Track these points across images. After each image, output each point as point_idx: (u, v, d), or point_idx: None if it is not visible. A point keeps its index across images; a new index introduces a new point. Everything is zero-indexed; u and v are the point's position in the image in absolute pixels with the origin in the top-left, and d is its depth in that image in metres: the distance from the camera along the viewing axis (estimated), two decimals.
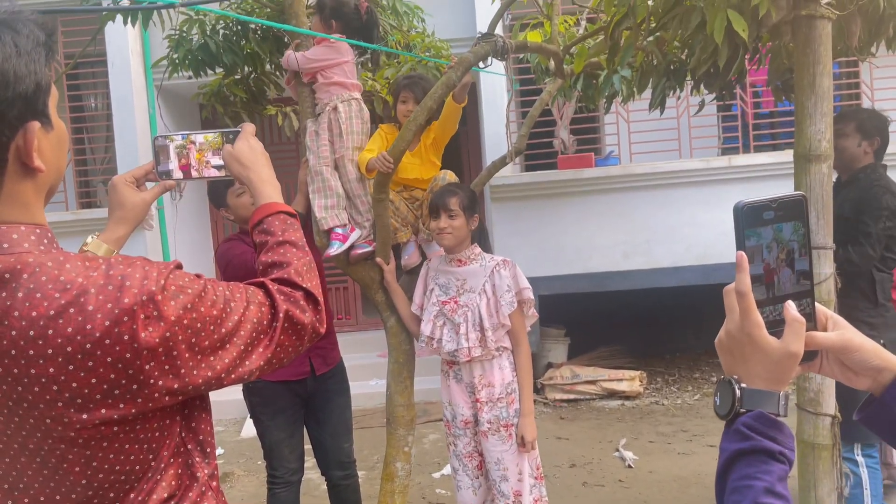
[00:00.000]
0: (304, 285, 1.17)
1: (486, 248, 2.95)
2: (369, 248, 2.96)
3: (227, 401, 5.88)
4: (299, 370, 3.07)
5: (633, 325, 7.19)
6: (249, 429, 5.67)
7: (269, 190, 1.29)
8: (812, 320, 0.87)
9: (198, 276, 1.04)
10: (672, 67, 3.56)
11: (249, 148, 1.31)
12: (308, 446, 3.24)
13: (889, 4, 2.47)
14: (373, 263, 2.99)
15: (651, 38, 3.10)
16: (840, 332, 0.88)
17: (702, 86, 3.49)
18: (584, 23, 4.34)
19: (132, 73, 6.38)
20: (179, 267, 1.02)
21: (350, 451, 3.27)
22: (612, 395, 6.24)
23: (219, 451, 5.53)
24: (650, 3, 2.72)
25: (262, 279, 1.16)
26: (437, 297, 2.86)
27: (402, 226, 3.05)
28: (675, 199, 6.21)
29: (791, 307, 0.84)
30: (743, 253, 0.83)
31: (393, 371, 3.04)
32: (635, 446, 5.03)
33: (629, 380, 6.29)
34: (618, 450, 4.96)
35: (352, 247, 2.93)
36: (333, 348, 3.26)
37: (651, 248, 6.26)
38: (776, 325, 0.84)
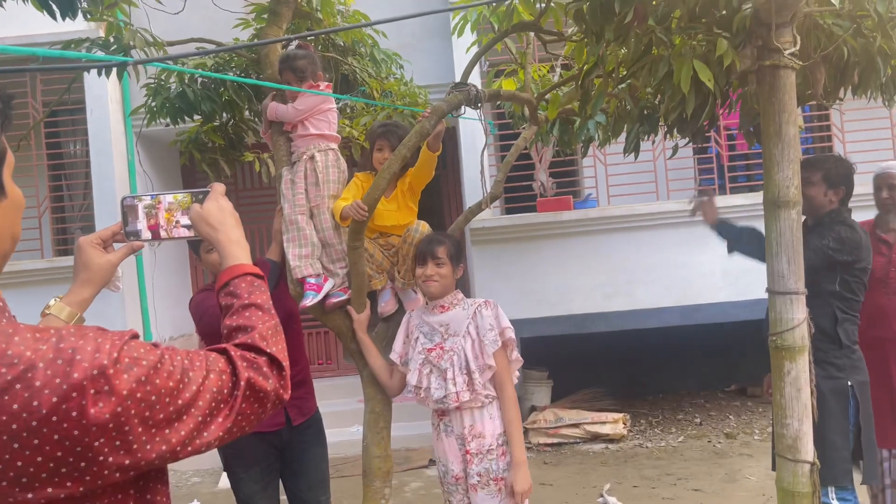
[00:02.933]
0: (269, 350, 1.14)
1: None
2: (345, 297, 2.93)
3: None
4: (274, 421, 3.01)
5: (615, 367, 7.16)
6: (226, 481, 5.53)
7: (237, 251, 1.27)
8: None
9: (154, 345, 1.01)
10: (645, 113, 3.61)
11: (218, 208, 1.30)
12: (283, 497, 3.16)
13: (853, 52, 2.53)
14: (347, 312, 2.96)
15: (623, 86, 3.15)
16: None
17: (674, 130, 3.55)
18: (558, 69, 4.42)
19: (111, 120, 6.38)
20: (136, 337, 0.99)
21: None
22: (596, 438, 6.18)
23: (194, 503, 5.38)
24: (621, 51, 2.78)
25: (224, 345, 1.13)
26: (423, 345, 2.79)
27: (378, 273, 3.02)
28: (653, 241, 6.25)
29: None
30: None
31: (369, 421, 2.99)
32: (619, 491, 4.96)
33: (612, 422, 6.24)
34: (602, 495, 4.88)
35: (327, 295, 2.90)
36: (310, 397, 3.20)
37: (631, 289, 6.27)
38: None
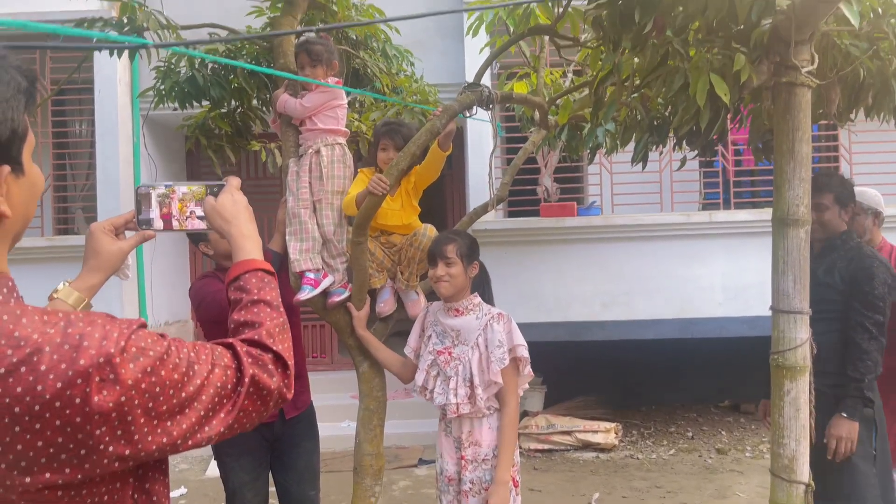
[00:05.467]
0: (275, 348, 1.13)
1: (488, 297, 2.83)
2: (346, 294, 2.92)
3: None
4: None
5: (609, 376, 7.15)
6: (214, 468, 5.51)
7: (250, 245, 1.27)
8: None
9: (162, 335, 0.99)
10: (655, 123, 3.60)
11: (232, 202, 1.30)
12: (272, 489, 3.14)
13: (869, 73, 2.52)
14: (347, 308, 2.95)
15: (635, 95, 3.14)
16: None
17: (684, 142, 3.54)
18: (570, 75, 4.41)
19: (118, 102, 6.36)
20: (143, 326, 0.98)
21: (316, 499, 3.18)
22: (587, 446, 6.17)
23: (182, 490, 5.36)
24: (635, 60, 2.76)
25: (231, 340, 1.12)
26: (433, 346, 2.74)
27: (378, 271, 3.00)
28: (655, 252, 6.24)
29: None
30: None
31: (363, 418, 2.97)
32: (608, 501, 4.94)
33: (605, 431, 6.22)
34: None
35: (327, 293, 2.89)
36: (304, 391, 3.19)
37: (630, 299, 6.26)
38: None
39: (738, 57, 2.21)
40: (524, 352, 2.66)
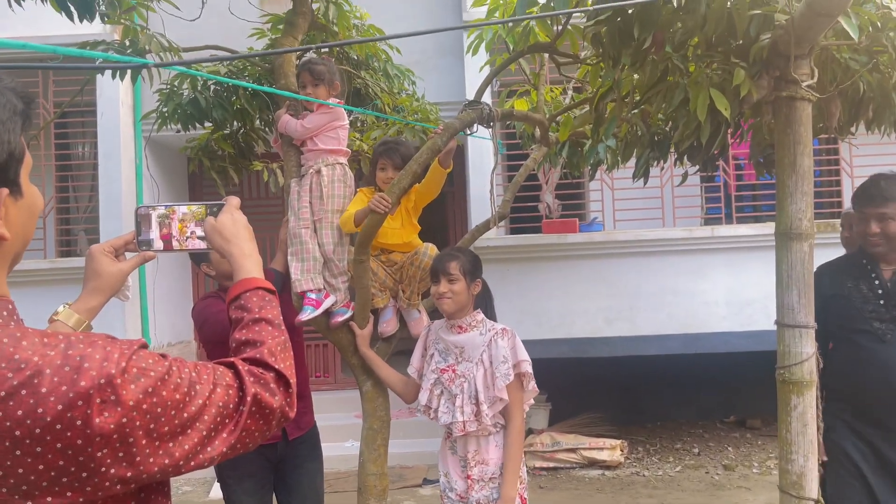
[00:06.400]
0: (277, 366, 1.12)
1: (490, 314, 2.82)
2: (349, 313, 2.90)
3: None
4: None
5: (614, 392, 7.10)
6: (218, 490, 5.47)
7: (250, 265, 1.27)
8: None
9: (163, 356, 0.99)
10: (656, 139, 3.61)
11: (232, 221, 1.30)
12: None
13: (869, 87, 2.53)
14: (349, 327, 2.93)
15: (635, 111, 3.15)
16: None
17: (685, 158, 3.54)
18: (570, 92, 4.42)
19: (121, 124, 6.39)
20: (144, 346, 0.98)
21: None
22: (593, 464, 6.11)
23: None
24: (635, 76, 2.77)
25: (232, 359, 1.11)
26: (437, 364, 2.73)
27: (380, 290, 2.99)
28: (658, 267, 6.22)
29: None
30: None
31: (367, 438, 2.95)
32: None
33: (610, 449, 6.17)
34: None
35: (330, 313, 2.88)
36: (307, 412, 3.17)
37: (634, 315, 6.23)
38: None
39: (737, 72, 2.22)
40: (528, 367, 2.65)
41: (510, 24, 3.09)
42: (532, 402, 2.78)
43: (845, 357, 2.66)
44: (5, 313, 0.93)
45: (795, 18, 2.01)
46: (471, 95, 6.23)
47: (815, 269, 2.73)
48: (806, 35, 2.06)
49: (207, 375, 1.02)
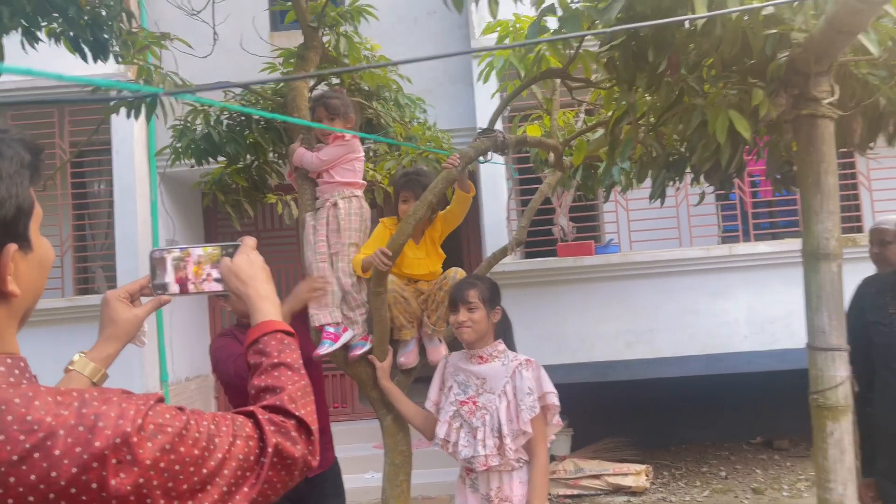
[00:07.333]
0: (297, 413, 1.09)
1: (510, 342, 2.75)
2: (367, 346, 2.87)
3: None
4: None
5: (636, 416, 6.99)
6: None
7: (267, 306, 1.23)
8: None
9: (180, 409, 0.96)
10: (671, 159, 3.58)
11: (249, 262, 1.27)
12: None
13: (889, 102, 2.49)
14: (368, 360, 2.90)
15: (650, 132, 3.12)
16: None
17: (702, 177, 3.50)
18: (582, 116, 4.41)
19: (136, 161, 6.45)
20: (161, 400, 0.94)
21: None
22: (618, 490, 5.99)
23: None
24: (647, 98, 2.75)
25: (252, 408, 1.08)
26: (456, 396, 2.64)
27: (408, 322, 2.93)
28: (677, 288, 6.15)
29: None
30: None
31: (389, 474, 2.90)
32: None
33: (635, 474, 6.05)
34: None
35: (348, 347, 2.84)
36: (328, 448, 3.12)
37: (654, 336, 6.15)
38: None
39: (755, 92, 2.19)
40: (554, 399, 2.57)
41: (520, 46, 3.08)
42: (553, 437, 2.70)
43: (891, 404, 2.57)
44: (17, 371, 0.89)
45: (815, 36, 1.98)
46: (481, 122, 6.23)
47: (858, 284, 2.67)
48: (826, 52, 2.03)
49: (226, 427, 0.99)
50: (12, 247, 0.90)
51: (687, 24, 2.14)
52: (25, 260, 0.93)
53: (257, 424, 1.04)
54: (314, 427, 1.11)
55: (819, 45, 1.99)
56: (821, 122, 2.17)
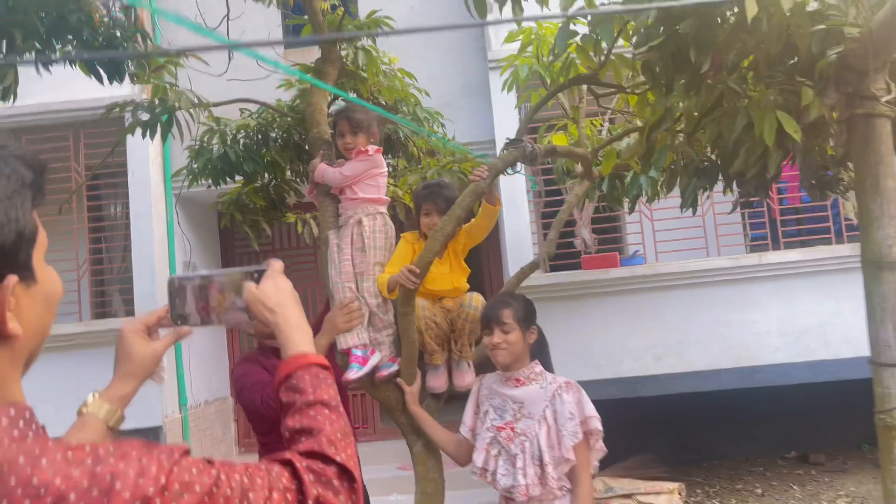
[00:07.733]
0: (337, 458, 0.97)
1: (547, 363, 2.62)
2: (395, 368, 2.74)
3: None
4: None
5: (667, 432, 6.79)
6: None
7: (299, 336, 1.11)
8: None
9: (209, 461, 0.84)
10: (702, 167, 3.45)
11: (276, 289, 1.14)
12: None
13: None
14: (396, 384, 2.76)
15: (683, 139, 3.00)
16: None
17: (734, 184, 3.37)
18: (606, 124, 4.29)
19: (151, 183, 6.40)
20: (187, 453, 0.83)
21: None
22: None
23: None
24: (681, 103, 2.62)
25: (287, 455, 0.96)
26: (492, 422, 2.50)
27: (438, 345, 2.79)
28: (705, 299, 5.98)
29: None
30: None
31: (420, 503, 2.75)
32: None
33: (668, 493, 5.84)
34: None
35: (375, 368, 2.71)
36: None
37: (684, 350, 5.97)
38: None
39: (804, 91, 2.06)
40: (597, 423, 2.43)
41: (548, 59, 2.97)
42: (596, 464, 2.54)
43: None
44: (21, 423, 0.78)
45: (874, 30, 1.85)
46: (499, 134, 6.11)
47: None
48: (886, 47, 1.90)
49: (261, 480, 0.87)
50: (12, 279, 0.78)
51: (731, 19, 2.02)
52: (28, 294, 0.81)
53: (295, 474, 0.92)
54: (356, 472, 0.99)
55: (879, 40, 1.85)
56: (878, 121, 2.04)
